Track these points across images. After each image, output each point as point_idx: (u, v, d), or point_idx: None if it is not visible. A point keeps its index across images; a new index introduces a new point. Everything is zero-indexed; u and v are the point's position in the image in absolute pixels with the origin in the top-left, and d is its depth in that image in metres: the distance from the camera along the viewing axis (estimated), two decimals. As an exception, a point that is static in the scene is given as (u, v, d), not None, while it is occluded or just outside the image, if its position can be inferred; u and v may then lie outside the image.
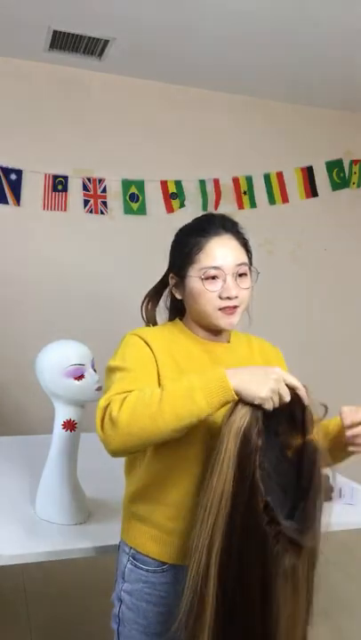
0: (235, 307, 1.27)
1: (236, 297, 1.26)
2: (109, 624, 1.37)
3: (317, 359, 3.98)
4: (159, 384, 1.23)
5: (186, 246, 1.29)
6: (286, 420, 1.13)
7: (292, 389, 1.10)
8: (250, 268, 1.30)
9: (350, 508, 1.88)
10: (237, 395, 1.07)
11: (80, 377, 1.69)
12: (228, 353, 1.36)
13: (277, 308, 3.84)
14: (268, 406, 1.07)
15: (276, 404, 1.08)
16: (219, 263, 1.25)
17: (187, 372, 1.23)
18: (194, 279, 1.27)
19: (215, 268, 1.25)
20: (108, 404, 1.12)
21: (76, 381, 1.69)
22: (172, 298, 1.40)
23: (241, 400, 1.08)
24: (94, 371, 1.72)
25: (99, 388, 1.69)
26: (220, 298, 1.26)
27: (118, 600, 1.34)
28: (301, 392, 1.11)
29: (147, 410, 1.07)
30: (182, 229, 1.35)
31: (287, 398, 1.08)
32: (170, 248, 1.37)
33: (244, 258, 1.29)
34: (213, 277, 1.25)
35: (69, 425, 1.73)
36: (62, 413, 1.73)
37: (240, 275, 1.28)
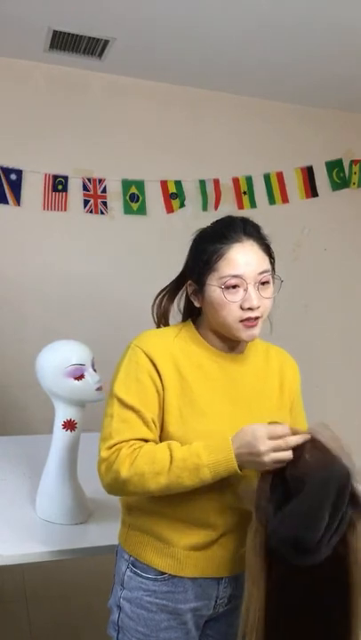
0: (256, 318, 1.21)
1: (258, 307, 1.20)
2: (108, 628, 1.35)
3: (317, 359, 3.98)
4: (162, 409, 1.22)
5: (205, 253, 1.23)
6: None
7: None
8: (273, 276, 1.24)
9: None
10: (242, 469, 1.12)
11: (80, 377, 1.69)
12: (242, 366, 1.31)
13: (277, 307, 3.83)
14: (279, 465, 1.10)
15: (283, 463, 1.10)
16: (240, 271, 1.19)
17: (194, 389, 1.23)
18: (213, 288, 1.21)
19: (236, 276, 1.19)
20: (113, 459, 1.16)
21: (77, 381, 1.69)
22: (186, 300, 1.34)
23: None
24: (94, 371, 1.72)
25: (99, 388, 1.69)
26: (242, 308, 1.20)
27: (117, 607, 1.31)
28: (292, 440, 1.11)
29: (154, 479, 1.14)
30: (201, 234, 1.29)
31: (288, 457, 1.10)
32: (188, 252, 1.30)
33: (266, 265, 1.23)
34: (234, 287, 1.19)
35: (69, 425, 1.73)
36: (62, 413, 1.73)
37: (262, 283, 1.22)
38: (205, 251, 1.23)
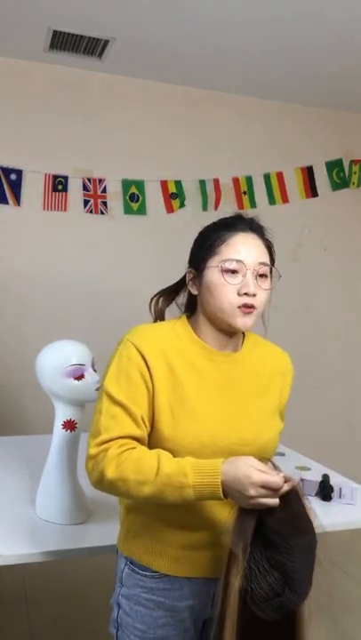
0: (252, 306, 1.21)
1: (255, 295, 1.21)
2: (109, 626, 1.36)
3: (317, 359, 3.98)
4: (153, 406, 1.21)
5: (209, 239, 1.25)
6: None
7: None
8: (271, 273, 1.26)
9: (350, 507, 1.88)
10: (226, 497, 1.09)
11: (80, 377, 1.69)
12: (238, 364, 1.29)
13: (277, 308, 3.84)
14: (264, 506, 1.07)
15: (271, 504, 1.08)
16: (241, 257, 1.21)
17: (186, 387, 1.22)
18: (213, 270, 1.22)
19: (237, 260, 1.21)
20: (100, 459, 1.16)
21: (76, 381, 1.69)
22: (188, 297, 1.35)
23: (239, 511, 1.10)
24: (94, 370, 1.72)
25: (99, 388, 1.69)
26: (239, 294, 1.21)
27: (116, 605, 1.32)
28: (279, 485, 1.07)
29: (137, 487, 1.13)
30: (208, 225, 1.31)
31: (274, 504, 1.07)
32: (192, 244, 1.32)
33: (266, 259, 1.25)
34: (233, 272, 1.21)
35: (69, 425, 1.73)
36: (62, 413, 1.74)
37: (260, 275, 1.23)
38: (210, 237, 1.26)
